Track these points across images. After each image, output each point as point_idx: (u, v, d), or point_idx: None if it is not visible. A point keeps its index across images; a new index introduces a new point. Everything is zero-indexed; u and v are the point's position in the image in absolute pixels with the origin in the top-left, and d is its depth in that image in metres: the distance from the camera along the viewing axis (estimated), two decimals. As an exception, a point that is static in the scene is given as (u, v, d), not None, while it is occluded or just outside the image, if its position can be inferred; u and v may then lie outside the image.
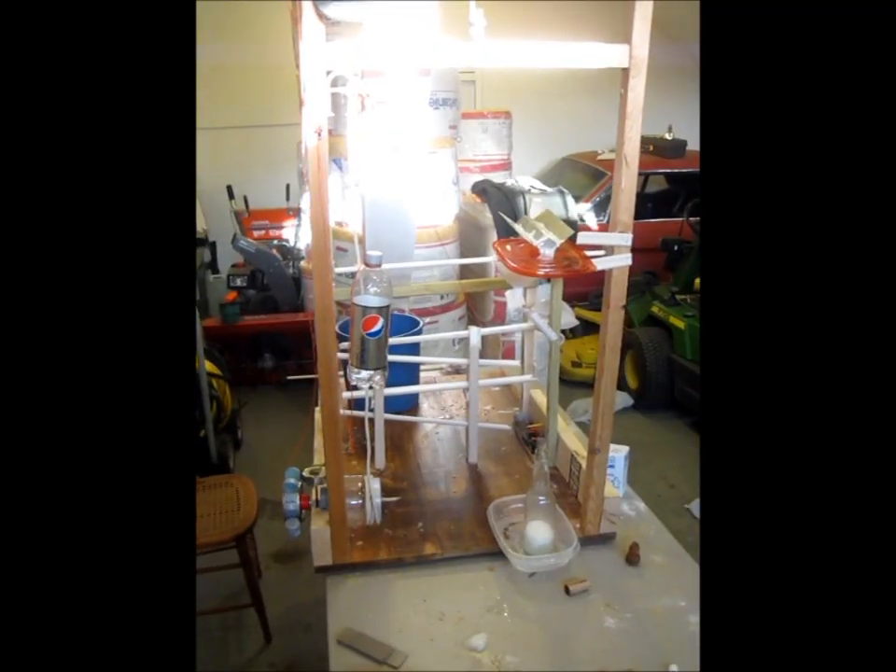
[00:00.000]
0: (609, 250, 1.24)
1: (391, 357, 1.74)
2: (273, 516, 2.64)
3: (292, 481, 1.33)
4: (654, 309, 3.93)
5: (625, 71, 1.15)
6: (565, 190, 3.60)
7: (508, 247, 1.29)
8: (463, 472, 1.68)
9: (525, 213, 3.31)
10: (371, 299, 1.16)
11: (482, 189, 3.44)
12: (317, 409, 1.85)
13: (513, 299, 1.56)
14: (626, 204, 1.20)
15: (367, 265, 1.16)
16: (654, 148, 5.01)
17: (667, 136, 5.05)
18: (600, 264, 1.18)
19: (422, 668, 1.10)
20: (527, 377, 1.76)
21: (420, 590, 1.29)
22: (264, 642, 2.16)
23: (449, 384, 1.73)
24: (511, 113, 4.56)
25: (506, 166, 4.64)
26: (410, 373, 2.02)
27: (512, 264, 1.19)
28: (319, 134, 1.07)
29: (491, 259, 3.17)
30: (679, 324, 3.63)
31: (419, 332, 2.02)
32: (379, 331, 1.17)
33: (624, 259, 1.22)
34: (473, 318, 3.58)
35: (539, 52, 1.12)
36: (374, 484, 1.35)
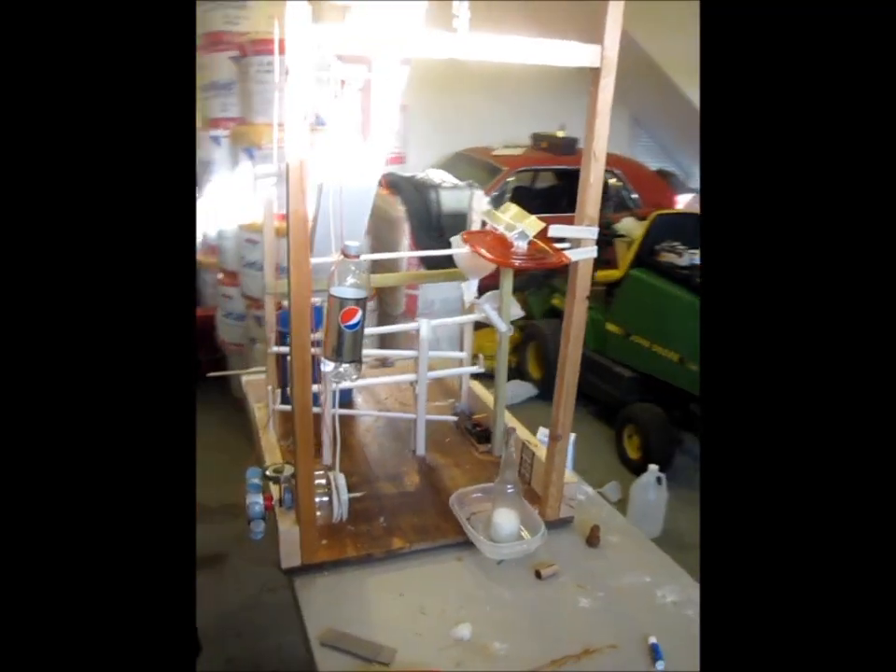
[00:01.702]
0: (576, 243, 1.28)
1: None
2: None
3: (256, 481, 1.28)
4: (555, 301, 4.07)
5: (596, 71, 1.18)
6: (475, 184, 3.66)
7: (475, 239, 1.30)
8: (412, 465, 1.67)
9: (438, 206, 3.35)
10: (349, 290, 1.13)
11: (392, 182, 3.43)
12: (258, 406, 1.79)
13: (468, 290, 1.57)
14: (594, 198, 1.25)
15: (345, 256, 1.13)
16: (547, 145, 5.19)
17: (559, 134, 5.25)
18: (573, 256, 1.22)
19: (412, 663, 1.09)
20: (474, 368, 1.78)
21: (393, 585, 1.28)
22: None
23: (400, 376, 1.72)
24: (408, 106, 4.55)
25: (401, 159, 4.63)
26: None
27: (489, 255, 1.21)
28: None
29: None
30: (581, 315, 3.78)
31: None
32: (357, 324, 1.14)
33: (592, 252, 1.27)
34: (384, 312, 3.56)
35: (519, 48, 1.13)
36: (341, 480, 1.32)
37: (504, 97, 5.74)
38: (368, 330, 1.45)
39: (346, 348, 1.16)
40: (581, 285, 1.30)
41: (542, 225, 1.26)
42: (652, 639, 1.14)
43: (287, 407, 1.62)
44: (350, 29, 1.05)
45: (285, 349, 1.69)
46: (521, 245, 1.22)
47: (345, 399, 1.99)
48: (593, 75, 1.20)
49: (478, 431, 1.79)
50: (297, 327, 1.14)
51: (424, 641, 1.14)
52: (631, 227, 3.73)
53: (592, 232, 1.26)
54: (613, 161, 5.46)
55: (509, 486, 1.34)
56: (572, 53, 1.17)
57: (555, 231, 1.24)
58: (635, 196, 5.27)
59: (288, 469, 1.29)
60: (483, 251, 1.22)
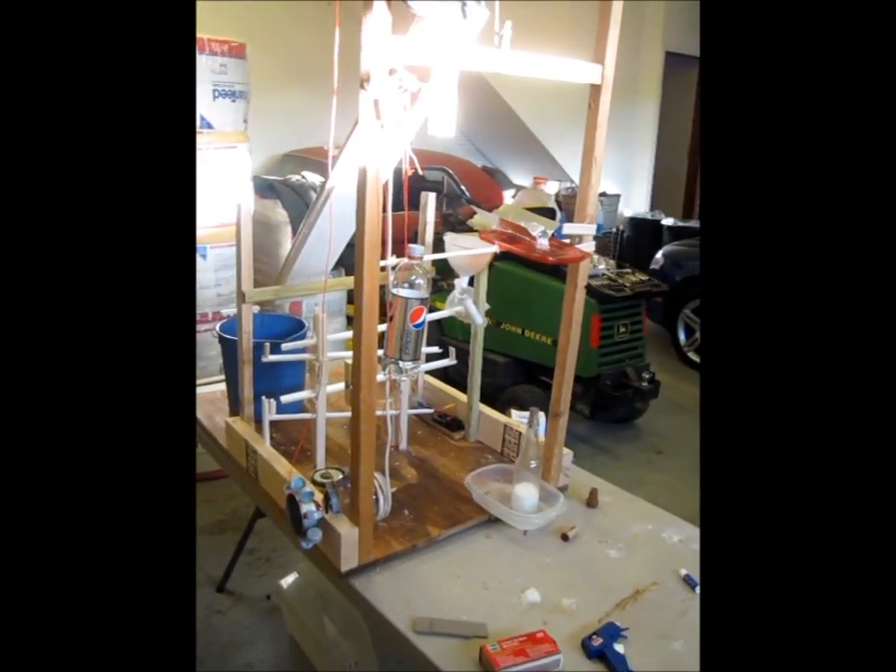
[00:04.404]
0: (577, 239, 1.44)
1: (286, 358, 1.70)
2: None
3: (308, 489, 1.27)
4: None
5: (596, 87, 1.35)
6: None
7: (500, 239, 1.40)
8: (402, 459, 1.73)
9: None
10: (415, 291, 1.18)
11: (268, 186, 3.34)
12: (233, 420, 1.72)
13: (458, 287, 1.67)
14: (593, 199, 1.42)
15: (410, 258, 1.18)
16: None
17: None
18: (585, 248, 1.38)
19: (506, 631, 1.18)
20: (447, 361, 1.87)
21: (445, 568, 1.35)
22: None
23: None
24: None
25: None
26: (301, 374, 1.97)
27: (532, 255, 1.32)
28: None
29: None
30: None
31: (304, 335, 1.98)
32: (422, 323, 1.20)
33: (592, 245, 1.44)
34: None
35: (542, 65, 1.25)
36: (385, 480, 1.35)
37: (327, 95, 5.72)
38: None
39: (412, 347, 1.21)
40: (582, 275, 1.46)
41: (557, 224, 1.40)
42: (684, 571, 1.34)
43: (284, 416, 1.60)
44: (419, 41, 1.11)
45: (278, 357, 1.66)
46: (543, 243, 1.35)
47: (298, 405, 1.98)
48: (593, 90, 1.36)
49: (447, 421, 1.89)
50: (367, 329, 1.16)
51: (502, 611, 1.24)
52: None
53: (591, 229, 1.43)
54: (444, 160, 5.73)
55: (532, 462, 1.46)
56: (579, 71, 1.32)
57: (568, 228, 1.39)
58: (465, 192, 5.57)
59: (336, 474, 1.30)
60: (519, 249, 1.33)
